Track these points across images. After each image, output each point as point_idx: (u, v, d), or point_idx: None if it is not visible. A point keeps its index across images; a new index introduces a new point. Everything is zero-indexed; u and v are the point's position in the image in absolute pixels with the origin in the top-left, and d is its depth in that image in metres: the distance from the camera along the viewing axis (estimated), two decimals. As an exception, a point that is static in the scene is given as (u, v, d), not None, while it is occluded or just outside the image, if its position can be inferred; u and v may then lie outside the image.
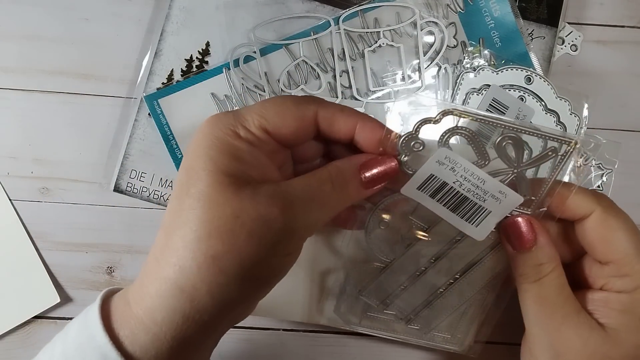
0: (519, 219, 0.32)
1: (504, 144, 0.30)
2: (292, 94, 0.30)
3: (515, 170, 0.31)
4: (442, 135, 0.30)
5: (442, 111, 0.29)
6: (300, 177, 0.28)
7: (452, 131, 0.30)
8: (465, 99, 0.45)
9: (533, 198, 0.32)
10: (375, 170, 0.30)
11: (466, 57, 0.45)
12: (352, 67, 0.45)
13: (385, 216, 0.34)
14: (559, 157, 0.31)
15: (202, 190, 0.26)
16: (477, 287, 0.37)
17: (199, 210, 0.25)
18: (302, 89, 0.45)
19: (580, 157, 0.32)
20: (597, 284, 0.33)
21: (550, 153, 0.31)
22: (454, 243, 0.35)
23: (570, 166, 0.46)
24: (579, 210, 0.32)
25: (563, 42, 0.46)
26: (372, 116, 0.31)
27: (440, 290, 0.37)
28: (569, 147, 0.30)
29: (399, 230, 0.35)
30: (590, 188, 0.46)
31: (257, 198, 0.26)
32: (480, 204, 0.31)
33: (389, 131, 0.31)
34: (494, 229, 0.33)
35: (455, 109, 0.30)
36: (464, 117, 0.30)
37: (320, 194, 0.28)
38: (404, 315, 0.39)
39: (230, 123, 0.28)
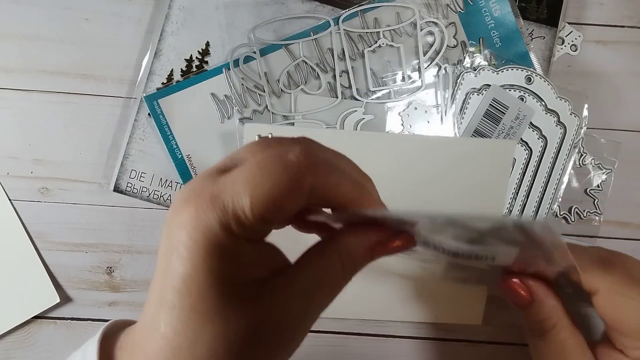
0: (513, 280, 0.31)
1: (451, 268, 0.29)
2: (271, 146, 0.24)
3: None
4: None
5: None
6: (307, 264, 0.26)
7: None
8: (465, 99, 0.45)
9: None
10: (391, 250, 0.27)
11: (466, 57, 0.45)
12: (352, 67, 0.45)
13: None
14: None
15: (212, 306, 0.23)
16: None
17: (212, 327, 0.23)
18: (302, 89, 0.45)
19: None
20: (617, 344, 0.33)
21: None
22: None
23: (570, 166, 0.46)
24: (585, 287, 0.31)
25: (563, 42, 0.46)
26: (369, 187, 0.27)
27: None
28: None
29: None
30: (590, 189, 0.47)
31: (266, 307, 0.24)
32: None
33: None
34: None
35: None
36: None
37: (330, 281, 0.26)
38: None
39: (221, 221, 0.23)
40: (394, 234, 0.27)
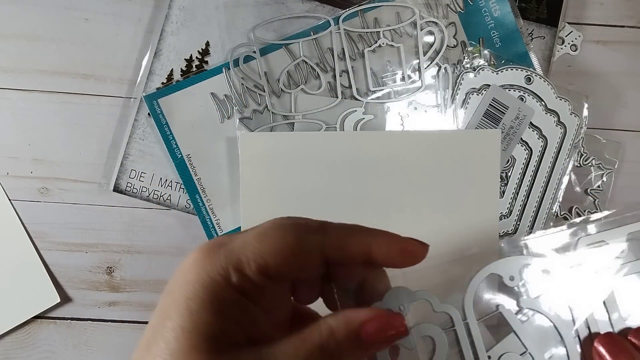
0: (599, 347, 0.28)
1: None
2: (290, 217, 0.25)
3: None
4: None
5: None
6: (287, 342, 0.24)
7: None
8: (465, 99, 0.45)
9: None
10: (380, 333, 0.24)
11: (466, 57, 0.45)
12: (352, 67, 0.45)
13: None
14: None
15: (174, 351, 0.22)
16: None
17: None
18: (302, 88, 0.45)
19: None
20: None
21: None
22: None
23: (570, 166, 0.46)
24: None
25: (563, 42, 0.46)
26: (385, 229, 0.26)
27: None
28: None
29: None
30: (590, 189, 0.46)
31: None
32: None
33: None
34: None
35: None
36: None
37: None
38: None
39: (221, 266, 0.23)
40: (388, 315, 0.24)
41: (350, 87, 0.45)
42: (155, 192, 0.46)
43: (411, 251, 0.26)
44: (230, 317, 0.23)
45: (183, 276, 0.23)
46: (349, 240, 0.25)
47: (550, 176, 0.46)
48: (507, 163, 0.46)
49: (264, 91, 0.45)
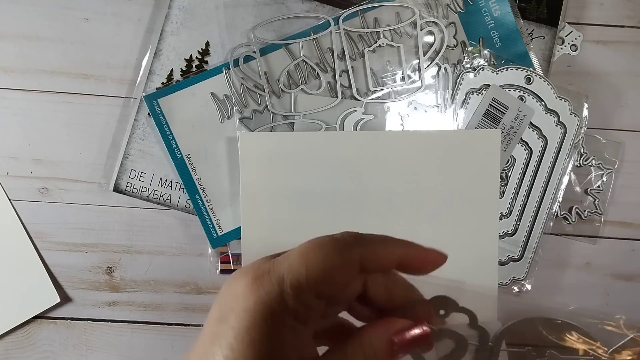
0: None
1: None
2: (325, 235, 0.26)
3: None
4: None
5: None
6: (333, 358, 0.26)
7: None
8: (465, 99, 0.45)
9: None
10: (408, 338, 0.26)
11: (466, 57, 0.45)
12: (352, 67, 0.45)
13: None
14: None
15: None
16: None
17: None
18: (302, 88, 0.45)
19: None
20: None
21: None
22: None
23: (570, 166, 0.46)
24: None
25: (563, 42, 0.46)
26: (415, 242, 0.28)
27: None
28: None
29: None
30: (590, 189, 0.47)
31: None
32: None
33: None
34: None
35: None
36: None
37: None
38: None
39: (276, 293, 0.24)
40: (414, 323, 0.26)
41: (350, 87, 0.45)
42: (155, 192, 0.46)
43: (433, 259, 0.27)
44: (287, 343, 0.24)
45: (238, 304, 0.24)
46: (383, 250, 0.26)
47: (550, 176, 0.46)
48: (507, 163, 0.46)
49: (264, 91, 0.45)
